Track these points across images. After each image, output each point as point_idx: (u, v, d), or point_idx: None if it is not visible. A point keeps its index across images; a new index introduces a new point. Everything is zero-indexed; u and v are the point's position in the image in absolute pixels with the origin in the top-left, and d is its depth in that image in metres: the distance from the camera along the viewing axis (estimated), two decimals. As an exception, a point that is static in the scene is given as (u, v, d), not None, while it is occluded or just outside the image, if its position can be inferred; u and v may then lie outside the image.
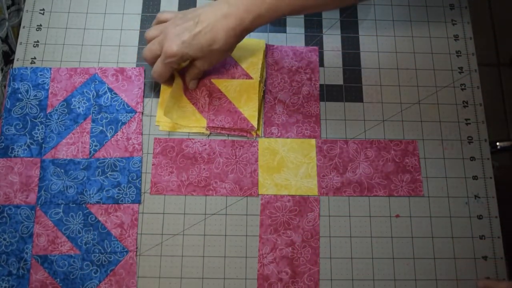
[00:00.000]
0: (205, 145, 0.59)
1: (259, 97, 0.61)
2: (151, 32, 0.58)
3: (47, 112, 0.60)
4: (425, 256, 0.57)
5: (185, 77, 0.60)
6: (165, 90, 0.61)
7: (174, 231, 0.57)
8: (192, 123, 0.60)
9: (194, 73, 0.59)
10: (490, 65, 1.39)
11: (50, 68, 0.62)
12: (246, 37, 0.63)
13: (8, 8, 0.64)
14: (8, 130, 0.59)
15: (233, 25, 0.53)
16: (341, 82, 0.64)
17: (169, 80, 0.60)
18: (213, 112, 0.60)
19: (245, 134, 0.60)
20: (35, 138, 0.59)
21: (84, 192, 0.57)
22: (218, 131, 0.60)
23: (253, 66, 0.62)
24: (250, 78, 0.61)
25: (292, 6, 0.53)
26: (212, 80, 0.62)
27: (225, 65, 0.62)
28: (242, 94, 0.61)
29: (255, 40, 0.64)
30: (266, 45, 0.64)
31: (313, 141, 0.60)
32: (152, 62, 0.57)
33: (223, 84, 0.61)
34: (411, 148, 0.60)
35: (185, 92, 0.61)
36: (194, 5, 0.67)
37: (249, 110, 0.60)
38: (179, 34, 0.54)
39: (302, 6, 0.54)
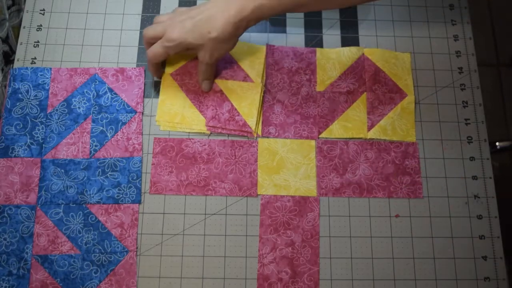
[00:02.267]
0: (204, 145, 0.60)
1: (260, 101, 0.61)
2: (151, 29, 0.57)
3: (48, 112, 0.60)
4: (425, 256, 0.57)
5: (198, 78, 0.60)
6: (165, 90, 0.61)
7: (174, 231, 0.57)
8: (192, 122, 0.60)
9: (201, 70, 0.59)
10: (490, 65, 1.39)
11: (51, 68, 0.62)
12: (247, 41, 0.63)
13: (8, 8, 0.64)
14: (9, 130, 0.59)
15: (233, 12, 0.53)
16: (341, 82, 0.64)
17: (157, 66, 0.60)
18: (213, 112, 0.60)
19: (245, 134, 0.60)
20: (35, 138, 0.59)
21: (84, 192, 0.57)
22: (219, 130, 0.60)
23: (255, 70, 0.62)
24: (252, 81, 0.61)
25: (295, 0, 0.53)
26: (215, 80, 0.62)
27: (228, 67, 0.62)
28: (243, 97, 0.61)
29: (256, 46, 0.64)
30: (267, 45, 0.64)
31: (312, 142, 0.60)
32: (150, 42, 0.57)
33: (225, 84, 0.61)
34: (411, 150, 0.60)
35: (186, 91, 0.61)
36: (194, 4, 0.67)
37: (249, 114, 0.60)
38: (182, 21, 0.55)
39: (305, 1, 0.53)
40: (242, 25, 0.54)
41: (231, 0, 0.53)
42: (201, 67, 0.58)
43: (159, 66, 0.60)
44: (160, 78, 0.62)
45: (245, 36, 0.65)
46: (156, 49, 0.56)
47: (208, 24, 0.53)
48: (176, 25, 0.55)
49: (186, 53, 0.59)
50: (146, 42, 0.58)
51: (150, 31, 0.57)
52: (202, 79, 0.60)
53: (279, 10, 0.54)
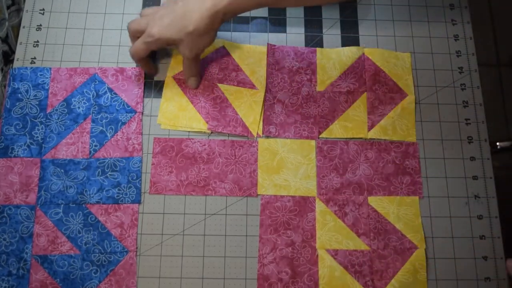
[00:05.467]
0: (204, 145, 0.59)
1: (262, 107, 0.61)
2: (135, 23, 0.58)
3: (47, 112, 0.60)
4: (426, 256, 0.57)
5: (184, 75, 0.60)
6: (167, 92, 0.61)
7: (174, 231, 0.57)
8: (193, 123, 0.60)
9: (185, 66, 0.59)
10: (490, 65, 1.39)
11: (50, 68, 0.62)
12: (248, 43, 0.63)
13: (8, 8, 0.64)
14: (8, 130, 0.59)
15: (208, 5, 0.53)
16: (341, 82, 0.64)
17: (144, 62, 0.59)
18: (214, 116, 0.60)
19: (245, 134, 0.60)
20: (35, 138, 0.59)
21: (84, 192, 0.57)
22: (219, 130, 0.60)
23: (258, 75, 0.62)
24: (255, 88, 0.61)
25: None
26: (217, 84, 0.62)
27: (232, 72, 0.62)
28: (246, 103, 0.61)
29: (258, 47, 0.64)
30: (268, 44, 0.64)
31: (313, 142, 0.60)
32: (134, 36, 0.58)
33: (228, 90, 0.61)
34: (411, 150, 0.60)
35: (189, 94, 0.61)
36: (194, 5, 0.67)
37: (251, 119, 0.60)
38: (162, 16, 0.55)
39: None
40: (218, 18, 0.54)
41: None
42: (184, 63, 0.59)
43: (148, 62, 0.60)
44: (153, 74, 0.62)
45: (245, 36, 0.65)
46: (137, 45, 0.57)
47: (185, 19, 0.54)
48: (156, 21, 0.55)
49: (169, 47, 0.59)
50: (131, 36, 0.58)
51: (134, 25, 0.57)
52: (188, 76, 0.60)
53: (254, 4, 0.54)
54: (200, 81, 0.61)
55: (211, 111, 0.60)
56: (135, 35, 0.57)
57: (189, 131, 0.60)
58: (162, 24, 0.54)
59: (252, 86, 0.62)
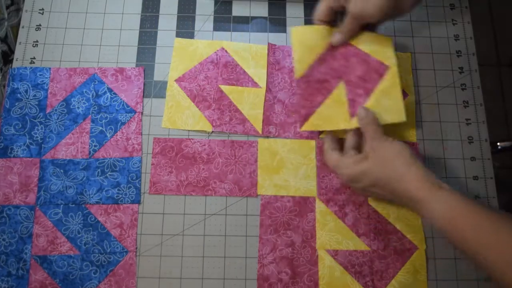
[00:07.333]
0: (204, 145, 0.59)
1: (263, 105, 0.61)
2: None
3: (47, 112, 0.60)
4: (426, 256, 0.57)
5: (342, 30, 0.57)
6: (170, 91, 0.61)
7: (174, 231, 0.57)
8: (196, 126, 0.60)
9: (350, 25, 0.56)
10: (490, 65, 1.39)
11: (50, 68, 0.62)
12: (248, 43, 0.64)
13: (7, 8, 0.64)
14: (8, 130, 0.59)
15: None
16: (341, 82, 0.63)
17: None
18: (218, 116, 0.60)
19: (249, 133, 0.60)
20: (34, 138, 0.59)
21: (84, 192, 0.57)
22: (223, 129, 0.60)
23: (259, 73, 0.62)
24: (257, 86, 0.61)
25: None
26: (219, 85, 0.61)
27: (231, 72, 0.62)
28: (248, 102, 0.61)
29: (258, 46, 0.64)
30: (268, 44, 0.64)
31: (313, 142, 0.60)
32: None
33: (230, 90, 0.61)
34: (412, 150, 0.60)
35: (191, 96, 0.61)
36: (194, 5, 0.66)
37: (254, 118, 0.60)
38: None
39: None
40: None
41: None
42: (352, 22, 0.56)
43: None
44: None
45: (245, 36, 0.65)
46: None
47: None
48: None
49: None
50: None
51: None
52: (344, 31, 0.58)
53: None
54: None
55: (215, 110, 0.60)
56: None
57: (189, 131, 0.60)
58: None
59: (254, 85, 0.61)
